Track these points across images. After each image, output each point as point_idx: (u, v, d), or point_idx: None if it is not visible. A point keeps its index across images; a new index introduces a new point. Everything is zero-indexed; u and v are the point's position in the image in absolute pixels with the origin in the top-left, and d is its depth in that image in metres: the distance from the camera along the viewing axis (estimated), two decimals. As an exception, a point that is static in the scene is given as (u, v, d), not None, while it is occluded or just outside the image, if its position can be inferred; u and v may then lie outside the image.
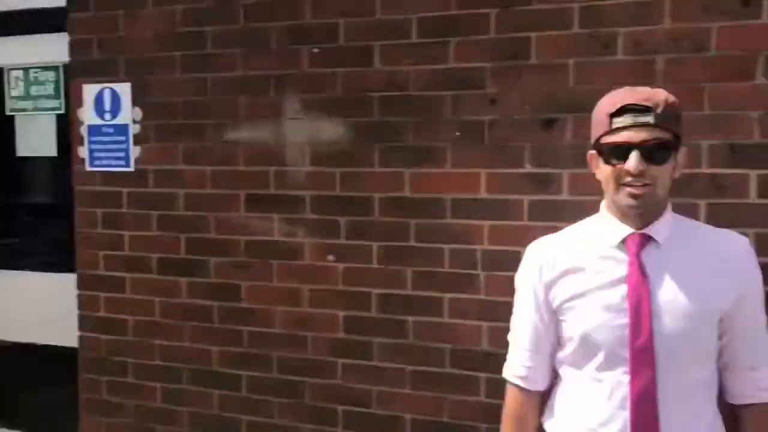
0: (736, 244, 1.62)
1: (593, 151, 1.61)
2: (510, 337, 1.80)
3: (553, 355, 1.71)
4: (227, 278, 2.61)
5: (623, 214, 1.57)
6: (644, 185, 1.50)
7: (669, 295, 1.53)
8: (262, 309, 2.57)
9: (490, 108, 2.25)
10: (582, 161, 2.13)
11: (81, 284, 2.84)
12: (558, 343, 1.70)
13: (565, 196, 2.18)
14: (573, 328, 1.62)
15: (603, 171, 1.57)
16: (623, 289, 1.55)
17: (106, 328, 2.81)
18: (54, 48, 2.85)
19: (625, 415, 1.53)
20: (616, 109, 1.52)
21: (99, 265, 2.80)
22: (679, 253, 1.57)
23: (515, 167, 2.23)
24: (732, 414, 1.65)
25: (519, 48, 2.20)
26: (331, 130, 2.43)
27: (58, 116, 2.99)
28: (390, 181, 2.37)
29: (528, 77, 2.20)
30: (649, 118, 1.49)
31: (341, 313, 2.47)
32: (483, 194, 2.27)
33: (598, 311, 1.57)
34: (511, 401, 1.78)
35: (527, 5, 2.17)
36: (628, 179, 1.51)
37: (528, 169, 2.22)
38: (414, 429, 2.41)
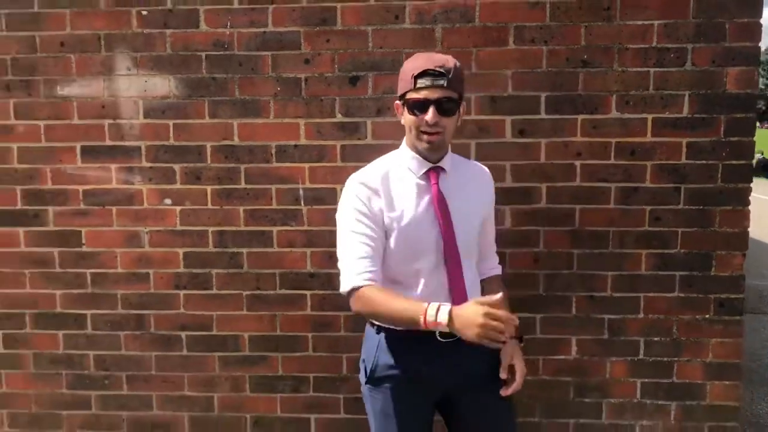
0: (486, 173, 2.20)
1: (398, 102, 2.04)
2: (342, 257, 2.01)
3: (380, 263, 2.05)
4: (67, 226, 2.79)
5: (420, 153, 2.04)
6: (437, 133, 1.97)
7: (458, 205, 2.04)
8: (104, 252, 2.79)
9: (304, 67, 2.64)
10: (381, 112, 2.63)
11: None
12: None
13: (369, 140, 2.65)
14: (396, 241, 2.02)
15: (407, 119, 2.00)
16: (431, 206, 2.02)
17: (-62, 282, 2.86)
18: None
19: (442, 293, 2.02)
20: (418, 72, 1.92)
21: (-74, 222, 2.82)
22: (457, 178, 2.09)
23: (328, 117, 2.66)
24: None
25: (327, 16, 2.60)
26: (163, 85, 2.69)
27: None
28: (220, 131, 2.70)
29: (335, 41, 2.61)
30: (443, 81, 1.91)
31: (180, 250, 2.77)
32: (303, 141, 2.68)
33: (415, 224, 2.01)
34: (370, 292, 1.93)
35: (333, -21, 2.58)
36: (426, 128, 1.97)
37: (339, 118, 2.65)
38: (252, 344, 2.81)
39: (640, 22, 2.53)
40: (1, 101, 2.73)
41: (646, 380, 2.72)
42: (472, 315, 1.71)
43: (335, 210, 2.09)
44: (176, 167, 2.73)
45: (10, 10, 2.67)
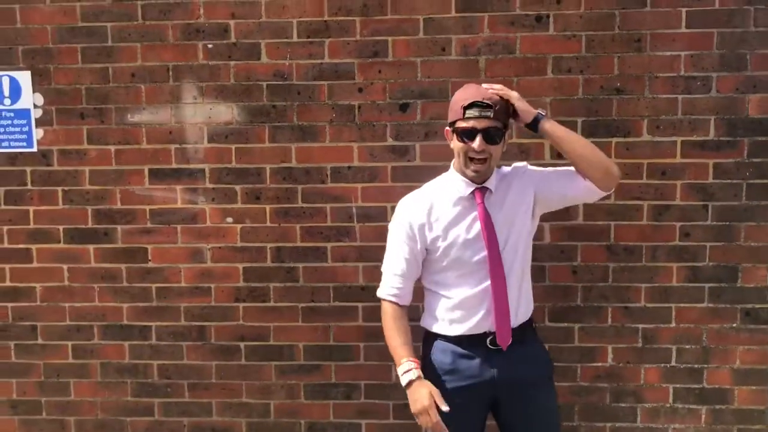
0: (520, 169, 2.35)
1: (449, 129, 2.25)
2: (383, 267, 2.37)
3: (415, 279, 2.33)
4: (134, 243, 2.99)
5: (466, 176, 2.24)
6: (484, 159, 2.16)
7: (502, 220, 2.23)
8: (169, 267, 2.99)
9: (358, 95, 2.85)
10: (429, 136, 2.84)
11: (-16, 258, 3.04)
12: (428, 270, 2.32)
13: (417, 162, 2.86)
14: (446, 256, 2.23)
15: (456, 145, 2.21)
16: (477, 225, 2.21)
17: (13, 296, 3.05)
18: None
19: (487, 303, 2.22)
20: (467, 104, 2.13)
21: (2, 240, 3.02)
22: (500, 191, 2.26)
23: (380, 141, 2.87)
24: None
25: (379, 48, 2.82)
26: (226, 112, 2.90)
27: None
28: (279, 154, 2.90)
29: (387, 71, 2.83)
30: (490, 113, 2.12)
31: (240, 265, 2.97)
32: (356, 163, 2.89)
33: (461, 243, 2.22)
34: (388, 311, 2.31)
35: (384, 15, 2.80)
36: (473, 154, 2.16)
37: (390, 142, 2.86)
38: (306, 353, 2.99)
39: (668, 53, 2.75)
40: (76, 128, 2.94)
41: (678, 386, 2.90)
42: (422, 398, 2.11)
43: (385, 227, 2.37)
44: (237, 188, 2.93)
45: (85, 44, 2.89)
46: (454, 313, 2.27)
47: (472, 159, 2.17)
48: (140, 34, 2.87)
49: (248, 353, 3.01)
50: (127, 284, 3.01)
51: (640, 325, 2.88)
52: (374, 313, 2.91)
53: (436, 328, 2.32)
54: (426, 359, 2.31)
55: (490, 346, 2.23)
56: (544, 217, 2.75)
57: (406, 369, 2.16)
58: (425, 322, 2.38)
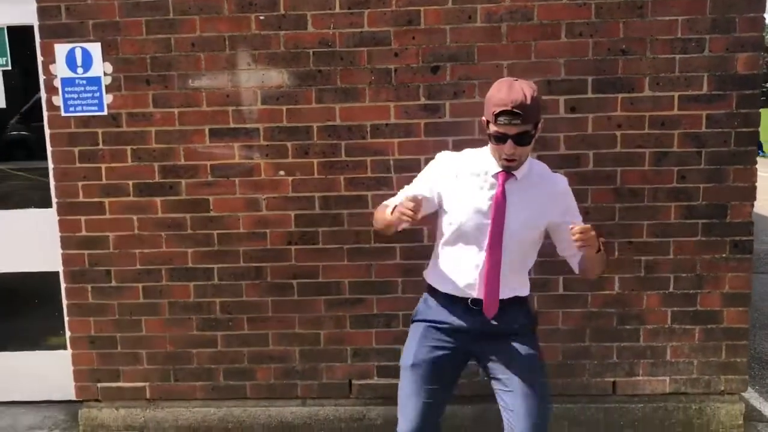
0: (560, 185, 2.42)
1: (484, 119, 2.28)
2: (401, 191, 2.54)
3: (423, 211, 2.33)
4: (197, 195, 3.37)
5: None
6: (514, 159, 2.25)
7: (516, 211, 2.31)
8: (229, 216, 3.38)
9: (394, 59, 3.23)
10: (457, 95, 3.21)
11: (61, 210, 3.41)
12: (438, 228, 2.46)
13: (447, 118, 3.24)
14: (454, 219, 2.36)
15: (490, 142, 2.28)
16: (490, 202, 2.32)
17: (88, 244, 3.43)
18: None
19: (478, 276, 2.36)
20: (498, 111, 2.17)
21: (78, 194, 3.39)
22: (528, 187, 2.34)
23: (414, 100, 3.25)
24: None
25: (413, 17, 3.19)
26: (277, 77, 3.27)
27: (4, 72, 3.51)
28: (324, 114, 3.28)
29: (419, 37, 3.20)
30: (519, 120, 2.16)
31: (292, 213, 3.36)
32: (393, 120, 3.27)
33: (471, 211, 2.34)
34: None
35: (417, -13, 3.17)
36: (504, 155, 2.24)
37: (423, 101, 3.25)
38: (351, 288, 3.41)
39: (667, 18, 3.13)
40: (142, 93, 3.30)
41: (675, 309, 3.35)
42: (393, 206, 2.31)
43: (420, 176, 2.63)
44: (288, 144, 3.31)
45: (149, 17, 3.24)
46: (447, 272, 2.43)
47: (503, 158, 2.28)
48: (199, 8, 3.22)
49: (300, 290, 3.42)
50: (191, 231, 3.40)
51: (643, 257, 3.31)
52: (411, 252, 3.34)
53: (431, 281, 2.52)
54: (418, 305, 2.55)
55: (472, 306, 2.39)
56: (557, 165, 3.13)
57: (391, 209, 2.33)
58: (426, 274, 2.57)
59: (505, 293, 2.39)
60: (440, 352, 2.44)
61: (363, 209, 3.34)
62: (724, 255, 3.29)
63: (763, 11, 3.14)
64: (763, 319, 5.35)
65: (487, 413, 3.22)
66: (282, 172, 3.34)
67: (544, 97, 3.19)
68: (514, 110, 2.15)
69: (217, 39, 3.25)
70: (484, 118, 2.31)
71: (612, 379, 3.42)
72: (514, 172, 2.33)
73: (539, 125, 2.28)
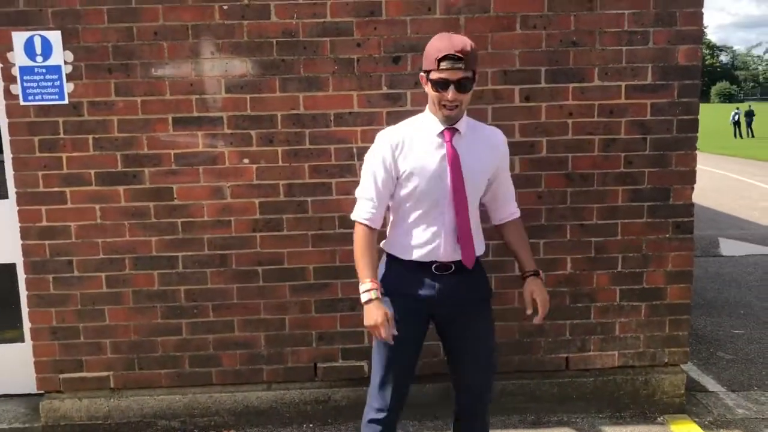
0: (498, 136, 2.56)
1: (423, 75, 2.40)
2: (358, 193, 2.53)
3: (386, 206, 2.51)
4: (160, 183, 3.38)
5: (439, 118, 2.42)
6: (455, 107, 2.35)
7: (468, 161, 2.43)
8: (193, 204, 3.41)
9: (357, 49, 3.31)
10: (418, 84, 3.25)
11: (21, 200, 3.38)
12: (395, 199, 2.50)
13: (408, 107, 3.35)
14: (412, 186, 2.42)
15: (430, 92, 2.38)
16: (445, 161, 2.41)
17: (49, 234, 3.41)
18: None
19: (443, 234, 2.45)
20: (441, 56, 2.28)
21: (38, 184, 3.36)
22: (471, 139, 2.47)
23: (376, 89, 3.35)
24: (496, 228, 2.71)
25: (375, 8, 3.28)
26: (241, 66, 3.31)
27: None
28: (288, 103, 3.34)
29: (381, 28, 3.30)
30: (461, 65, 2.27)
31: (257, 200, 3.42)
32: (356, 109, 3.36)
33: (427, 174, 2.41)
34: (360, 233, 2.48)
35: (378, -21, 3.26)
36: (446, 102, 2.34)
37: (385, 90, 3.35)
38: (316, 273, 3.49)
39: (614, 12, 3.32)
40: (104, 81, 3.30)
41: (623, 287, 3.56)
42: (377, 316, 2.35)
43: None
44: (253, 133, 3.36)
45: (111, 6, 3.23)
46: (410, 240, 2.49)
47: (444, 105, 2.36)
48: (161, -3, 3.24)
49: (265, 276, 3.48)
50: (155, 220, 3.41)
51: (593, 239, 3.50)
52: (374, 236, 3.43)
53: (392, 251, 2.56)
54: (381, 277, 2.53)
55: (435, 272, 2.48)
56: (513, 152, 3.26)
57: (368, 288, 2.38)
58: (385, 245, 2.61)
59: (476, 247, 2.51)
60: (409, 319, 2.51)
61: (327, 196, 3.42)
62: (667, 235, 3.51)
63: (702, 6, 3.35)
64: (697, 299, 5.67)
65: (451, 390, 3.34)
66: (246, 160, 3.38)
67: (499, 87, 3.35)
68: (457, 54, 2.27)
69: (181, 28, 3.27)
70: (422, 73, 2.40)
71: (565, 355, 3.61)
72: (458, 127, 2.42)
73: (476, 77, 2.40)
